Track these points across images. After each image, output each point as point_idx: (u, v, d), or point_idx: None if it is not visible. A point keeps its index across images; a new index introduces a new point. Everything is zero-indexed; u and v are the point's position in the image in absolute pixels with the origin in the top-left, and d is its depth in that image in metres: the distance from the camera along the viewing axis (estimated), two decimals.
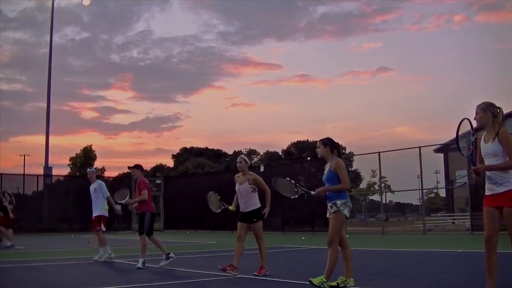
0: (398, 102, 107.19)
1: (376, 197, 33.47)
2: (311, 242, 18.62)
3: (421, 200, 28.21)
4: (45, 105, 39.85)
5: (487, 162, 5.81)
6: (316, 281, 6.96)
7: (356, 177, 38.22)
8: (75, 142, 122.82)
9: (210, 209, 9.95)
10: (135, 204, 11.08)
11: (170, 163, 76.17)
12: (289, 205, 29.77)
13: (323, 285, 6.93)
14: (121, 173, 66.28)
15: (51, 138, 41.72)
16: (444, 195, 40.51)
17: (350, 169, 34.68)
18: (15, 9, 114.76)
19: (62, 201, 34.52)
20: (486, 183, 5.82)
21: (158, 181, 40.84)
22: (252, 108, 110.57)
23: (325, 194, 7.34)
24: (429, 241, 17.80)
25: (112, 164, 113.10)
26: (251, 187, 9.14)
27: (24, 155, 70.97)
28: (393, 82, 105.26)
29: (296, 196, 7.67)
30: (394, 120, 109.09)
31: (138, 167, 11.23)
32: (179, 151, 76.87)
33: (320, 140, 7.61)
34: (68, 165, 57.89)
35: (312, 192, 7.41)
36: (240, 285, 8.16)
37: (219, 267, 8.98)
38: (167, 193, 37.93)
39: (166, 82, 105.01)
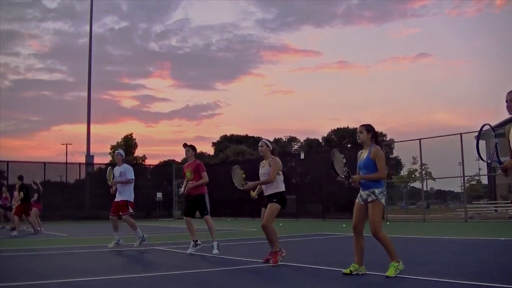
0: (438, 88, 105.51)
1: (417, 184, 33.05)
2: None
3: (462, 188, 27.81)
4: (85, 94, 40.61)
5: None
6: (390, 272, 6.85)
7: (396, 164, 37.78)
8: (116, 130, 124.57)
9: (234, 183, 9.88)
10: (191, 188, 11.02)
11: (210, 150, 76.51)
12: (329, 193, 29.74)
13: (398, 270, 6.90)
14: (162, 161, 67.14)
15: (92, 126, 42.49)
16: (486, 182, 39.84)
17: (390, 156, 34.35)
18: None
19: (104, 188, 34.84)
20: None
21: None
22: (291, 95, 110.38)
23: (359, 182, 7.20)
24: (471, 229, 17.51)
25: (152, 152, 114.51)
26: None
27: (66, 144, 72.03)
28: (433, 68, 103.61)
29: (342, 177, 7.34)
30: (434, 106, 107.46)
31: (193, 147, 11.33)
32: (219, 139, 77.13)
33: (363, 125, 7.35)
34: (109, 153, 58.35)
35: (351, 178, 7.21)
36: (277, 274, 8.06)
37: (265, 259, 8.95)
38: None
39: (205, 70, 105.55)
